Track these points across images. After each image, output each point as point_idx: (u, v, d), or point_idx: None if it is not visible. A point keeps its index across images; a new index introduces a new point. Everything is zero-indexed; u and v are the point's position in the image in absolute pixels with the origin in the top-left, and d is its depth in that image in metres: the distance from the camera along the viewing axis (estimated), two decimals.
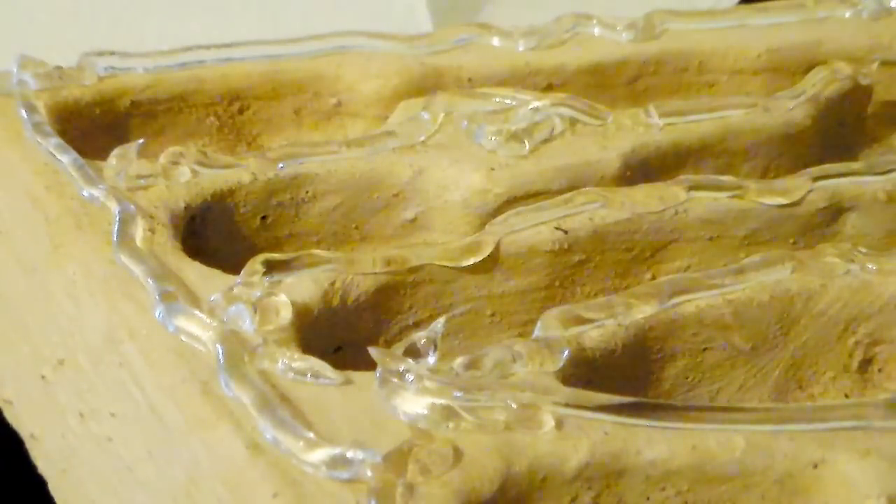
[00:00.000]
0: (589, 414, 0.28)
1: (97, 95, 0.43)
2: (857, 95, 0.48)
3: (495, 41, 0.49)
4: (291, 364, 0.29)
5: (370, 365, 0.29)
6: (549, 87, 0.48)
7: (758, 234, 0.40)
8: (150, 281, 0.32)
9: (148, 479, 0.31)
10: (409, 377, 0.28)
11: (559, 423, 0.28)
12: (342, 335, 0.34)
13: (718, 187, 0.39)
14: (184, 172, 0.38)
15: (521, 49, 0.48)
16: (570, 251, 0.37)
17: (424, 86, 0.46)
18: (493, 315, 0.37)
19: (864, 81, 0.48)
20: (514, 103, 0.43)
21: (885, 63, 0.50)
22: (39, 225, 0.36)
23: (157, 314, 0.31)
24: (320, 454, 0.26)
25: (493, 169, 0.40)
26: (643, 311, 0.33)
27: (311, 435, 0.27)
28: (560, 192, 0.39)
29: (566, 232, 0.37)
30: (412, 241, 0.41)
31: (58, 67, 0.43)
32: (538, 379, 0.30)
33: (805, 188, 0.40)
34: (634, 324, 0.33)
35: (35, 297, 0.37)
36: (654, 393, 0.35)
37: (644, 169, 0.42)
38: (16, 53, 0.44)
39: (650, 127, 0.43)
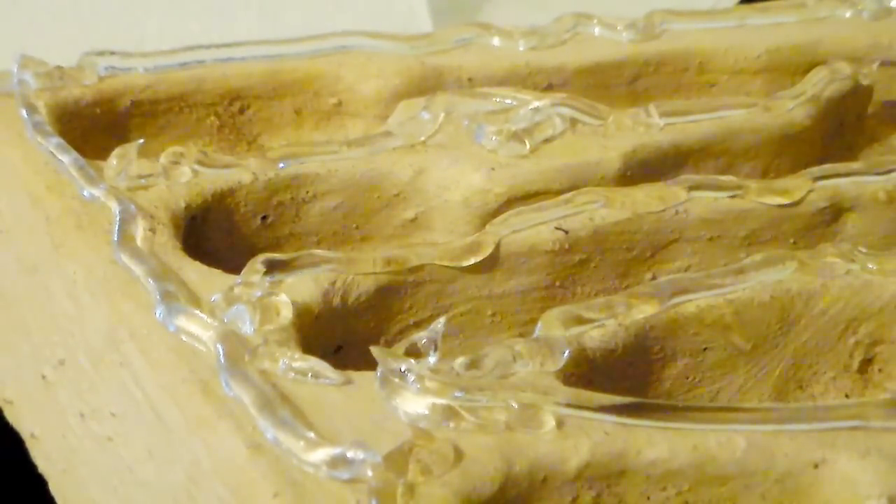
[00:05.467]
0: (589, 414, 0.29)
1: (97, 95, 0.43)
2: (857, 95, 0.48)
3: (495, 41, 0.49)
4: (292, 364, 0.29)
5: (370, 365, 0.29)
6: (549, 87, 0.48)
7: (758, 234, 0.40)
8: (150, 281, 0.32)
9: (148, 479, 0.31)
10: (410, 377, 0.28)
11: (560, 423, 0.28)
12: (342, 335, 0.34)
13: (718, 187, 0.39)
14: (184, 172, 0.38)
15: (521, 49, 0.49)
16: (570, 251, 0.37)
17: (424, 86, 0.46)
18: (493, 315, 0.37)
19: (864, 81, 0.48)
20: (514, 103, 0.43)
21: (885, 63, 0.50)
22: (40, 225, 0.36)
23: (157, 314, 0.31)
24: (321, 454, 0.26)
25: (493, 169, 0.40)
26: (643, 311, 0.33)
27: (312, 435, 0.27)
28: (560, 191, 0.39)
29: (566, 232, 0.37)
30: (412, 241, 0.41)
31: (58, 67, 0.43)
32: (539, 379, 0.30)
33: (805, 188, 0.40)
34: (635, 324, 0.33)
35: (35, 296, 0.37)
36: (654, 393, 0.35)
37: (644, 169, 0.42)
38: (16, 53, 0.44)
39: (650, 127, 0.43)
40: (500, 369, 0.30)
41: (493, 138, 0.41)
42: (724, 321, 0.35)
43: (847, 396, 0.37)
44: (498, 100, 0.43)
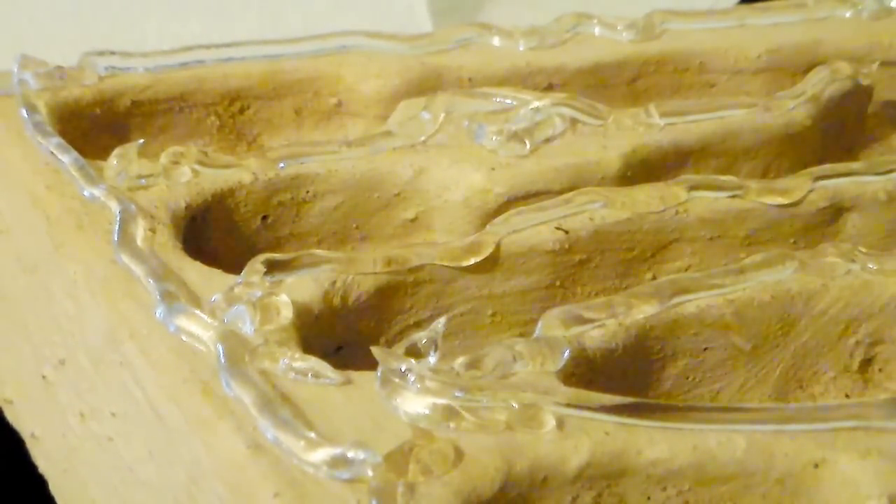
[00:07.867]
0: (590, 414, 0.29)
1: (97, 95, 0.43)
2: (857, 95, 0.48)
3: (495, 41, 0.49)
4: (292, 364, 0.29)
5: (371, 365, 0.29)
6: (549, 87, 0.48)
7: (758, 234, 0.40)
8: (150, 281, 0.32)
9: (148, 479, 0.31)
10: (411, 377, 0.28)
11: (560, 423, 0.28)
12: (343, 335, 0.34)
13: (719, 187, 0.39)
14: (184, 172, 0.38)
15: (521, 49, 0.49)
16: (570, 251, 0.37)
17: (424, 86, 0.46)
18: (493, 315, 0.37)
19: (864, 81, 0.48)
20: (514, 103, 0.43)
21: (885, 63, 0.50)
22: (40, 225, 0.36)
23: (157, 314, 0.31)
24: (321, 454, 0.26)
25: (493, 169, 0.40)
26: (644, 311, 0.33)
27: (312, 435, 0.27)
28: (561, 191, 0.39)
29: (567, 232, 0.37)
30: (413, 241, 0.41)
31: (58, 67, 0.43)
32: (539, 379, 0.30)
33: (805, 188, 0.40)
34: (635, 324, 0.33)
35: (36, 296, 0.37)
36: (654, 393, 0.35)
37: (644, 169, 0.42)
38: (16, 53, 0.44)
39: (651, 127, 0.43)
40: (501, 369, 0.30)
41: (494, 138, 0.41)
42: (724, 321, 0.35)
43: (847, 396, 0.37)
44: (498, 100, 0.43)
